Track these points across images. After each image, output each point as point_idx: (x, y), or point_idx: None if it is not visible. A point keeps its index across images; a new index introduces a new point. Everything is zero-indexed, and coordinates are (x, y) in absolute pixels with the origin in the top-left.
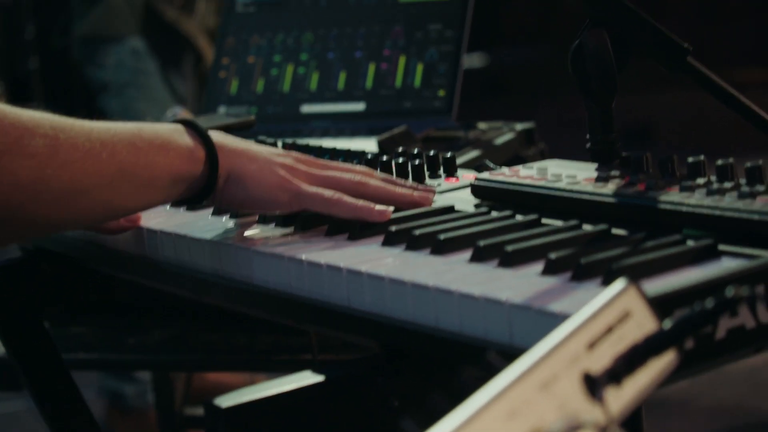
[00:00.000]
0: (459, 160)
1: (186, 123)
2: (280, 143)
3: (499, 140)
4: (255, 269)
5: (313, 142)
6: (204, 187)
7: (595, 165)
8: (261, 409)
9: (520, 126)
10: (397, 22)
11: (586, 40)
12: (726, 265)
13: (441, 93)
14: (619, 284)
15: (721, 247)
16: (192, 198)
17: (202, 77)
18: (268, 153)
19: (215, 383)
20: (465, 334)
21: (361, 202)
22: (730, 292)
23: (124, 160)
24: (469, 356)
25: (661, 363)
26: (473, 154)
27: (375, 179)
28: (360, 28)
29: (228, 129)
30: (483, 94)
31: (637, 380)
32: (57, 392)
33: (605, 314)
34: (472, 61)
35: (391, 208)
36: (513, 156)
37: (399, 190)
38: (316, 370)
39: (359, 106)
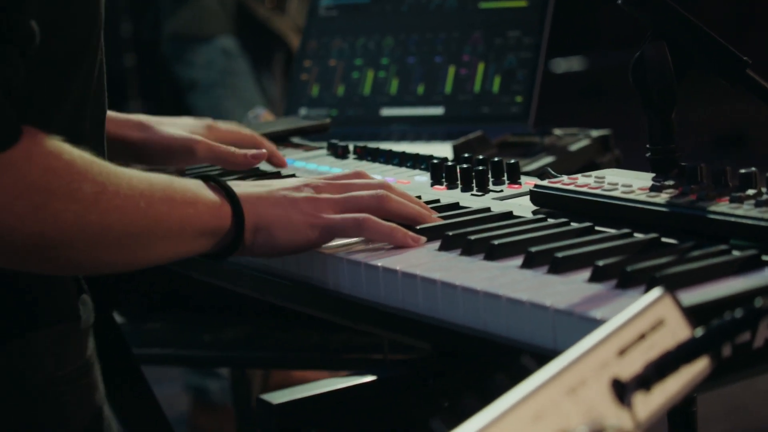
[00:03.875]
0: (532, 166)
1: (207, 179)
2: (351, 146)
3: (574, 147)
4: (330, 274)
5: (390, 145)
6: (233, 241)
7: (653, 175)
8: (312, 406)
9: (596, 133)
10: (477, 28)
11: (646, 52)
12: None
13: (518, 99)
14: (654, 293)
15: (766, 257)
16: (221, 252)
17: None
18: (288, 191)
19: (298, 378)
20: (512, 338)
21: (393, 226)
22: (758, 302)
23: (159, 210)
24: (513, 360)
25: (693, 370)
26: (547, 160)
27: (391, 192)
28: (440, 33)
29: (303, 132)
30: (581, 97)
31: (667, 387)
32: (127, 386)
33: (638, 322)
34: (571, 64)
35: (424, 238)
36: (588, 162)
37: (417, 208)
38: (370, 370)
39: (438, 111)
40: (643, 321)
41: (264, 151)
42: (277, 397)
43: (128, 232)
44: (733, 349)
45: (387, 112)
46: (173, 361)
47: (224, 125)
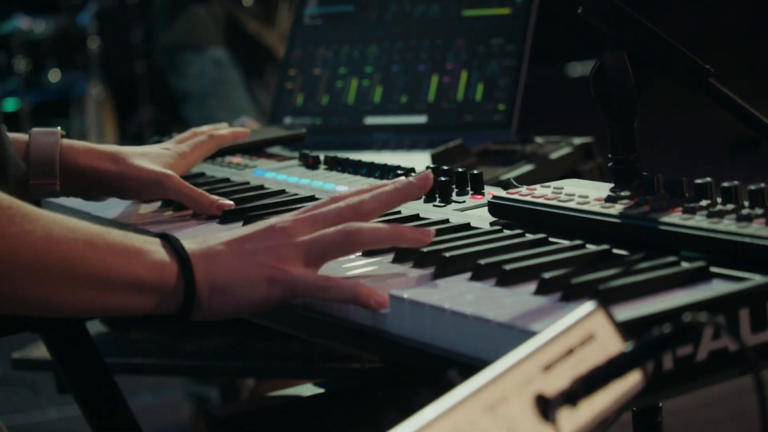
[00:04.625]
0: (511, 174)
1: (163, 236)
2: (322, 156)
3: (555, 154)
4: None
5: (371, 154)
6: (184, 302)
7: (612, 185)
8: (257, 418)
9: (578, 140)
10: (460, 36)
11: (606, 62)
12: (715, 287)
13: (501, 107)
14: (586, 307)
15: (714, 269)
16: (176, 312)
17: None
18: (249, 242)
19: (283, 387)
20: (457, 351)
21: (353, 282)
22: (686, 317)
23: (72, 251)
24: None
25: (624, 386)
26: (527, 168)
27: (364, 195)
28: (423, 41)
29: (279, 141)
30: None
31: (595, 402)
32: (100, 395)
33: (567, 336)
34: (586, 69)
35: (384, 297)
36: (570, 170)
37: (390, 230)
38: (318, 383)
39: (421, 119)
40: (572, 335)
41: (231, 202)
42: (224, 410)
43: (26, 266)
44: (675, 362)
45: (371, 120)
46: (155, 370)
47: (192, 146)
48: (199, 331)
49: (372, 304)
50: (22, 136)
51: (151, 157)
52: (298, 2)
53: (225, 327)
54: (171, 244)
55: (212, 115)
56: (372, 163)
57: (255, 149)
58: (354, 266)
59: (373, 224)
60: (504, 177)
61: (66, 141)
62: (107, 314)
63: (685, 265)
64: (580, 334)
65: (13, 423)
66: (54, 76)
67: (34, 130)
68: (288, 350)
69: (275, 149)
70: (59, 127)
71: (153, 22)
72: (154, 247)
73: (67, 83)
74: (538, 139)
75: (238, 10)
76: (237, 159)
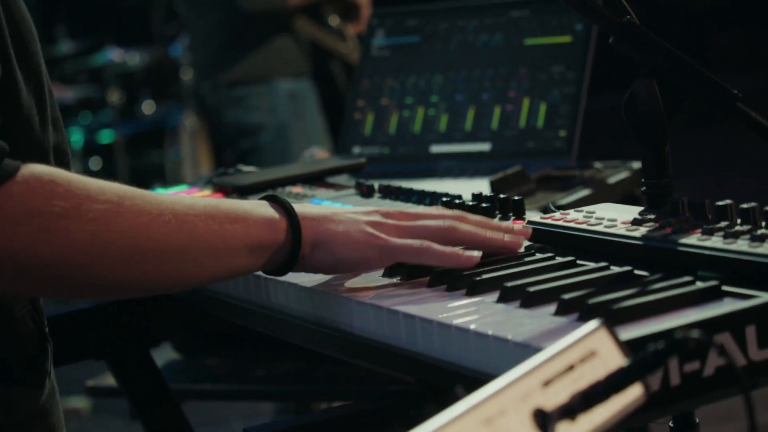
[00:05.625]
0: (568, 199)
1: (270, 198)
2: (376, 184)
3: (612, 179)
4: (354, 318)
5: (434, 182)
6: (290, 255)
7: (641, 209)
8: None
9: (636, 164)
10: (522, 64)
11: (636, 89)
12: (725, 305)
13: (562, 133)
14: (590, 325)
15: (727, 288)
16: (279, 267)
17: None
18: (354, 213)
19: None
20: (481, 370)
21: (449, 249)
22: (678, 334)
23: (196, 228)
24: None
25: (623, 400)
26: (584, 193)
27: (466, 224)
28: (487, 70)
29: (338, 171)
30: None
31: (594, 416)
32: (164, 421)
33: (568, 353)
34: None
35: (479, 253)
36: (627, 194)
37: (489, 234)
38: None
39: (485, 147)
40: (573, 353)
41: None
42: (261, 429)
43: (159, 249)
44: (682, 377)
45: (436, 149)
46: (226, 396)
47: None
48: (270, 356)
49: (463, 262)
50: None
51: None
52: (366, 33)
53: (294, 352)
54: (279, 203)
55: (290, 147)
56: (422, 191)
57: (315, 179)
58: (389, 297)
59: (471, 229)
60: (561, 202)
61: None
62: (227, 278)
63: (698, 284)
64: (581, 351)
65: None
66: (148, 107)
67: None
68: (353, 374)
69: (339, 179)
70: None
71: (200, 59)
72: (264, 209)
73: (161, 114)
74: (597, 165)
75: (319, 31)
76: (297, 189)
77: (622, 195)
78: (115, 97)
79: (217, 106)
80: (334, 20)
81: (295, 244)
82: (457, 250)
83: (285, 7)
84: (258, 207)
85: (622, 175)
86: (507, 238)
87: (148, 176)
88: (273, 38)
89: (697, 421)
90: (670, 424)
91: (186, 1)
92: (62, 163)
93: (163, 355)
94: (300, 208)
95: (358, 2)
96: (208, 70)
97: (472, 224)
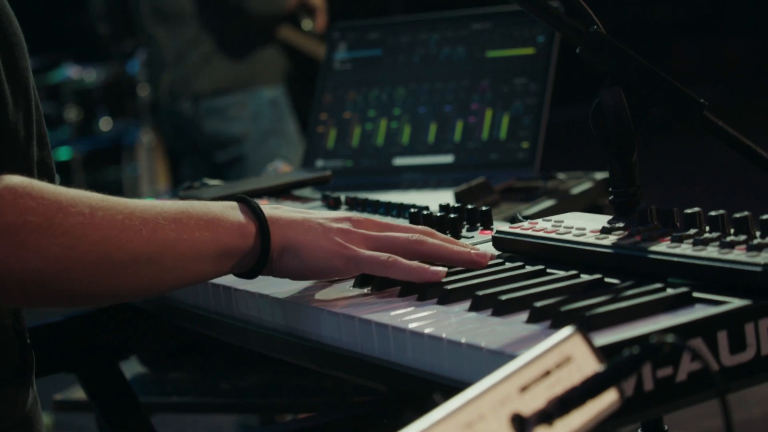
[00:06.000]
0: (532, 210)
1: (240, 200)
2: (343, 196)
3: (576, 190)
4: (326, 328)
5: (398, 193)
6: (258, 261)
7: (610, 217)
8: None
9: (599, 175)
10: (485, 77)
11: (603, 98)
12: (696, 311)
13: (525, 145)
14: (564, 331)
15: (698, 294)
16: (248, 271)
17: None
18: (325, 220)
19: None
20: (454, 378)
21: (415, 264)
22: (653, 339)
23: (167, 236)
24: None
25: (599, 405)
26: (548, 203)
27: (434, 238)
28: (449, 82)
29: (304, 184)
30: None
31: (570, 421)
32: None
33: (544, 359)
34: None
35: (445, 269)
36: (591, 205)
37: (456, 248)
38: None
39: (448, 159)
40: (549, 358)
41: None
42: None
43: (131, 259)
44: (655, 383)
45: (399, 161)
46: (193, 408)
47: None
48: (236, 370)
49: (429, 276)
50: None
51: None
52: (327, 47)
53: (260, 365)
54: (249, 206)
55: (273, 155)
56: (389, 203)
57: (281, 192)
58: (359, 306)
59: (438, 242)
60: (525, 213)
61: None
62: (195, 284)
63: (669, 291)
64: (557, 357)
65: None
66: (105, 124)
67: None
68: (321, 386)
69: (304, 192)
70: None
71: (172, 76)
72: (234, 213)
73: (118, 131)
74: (561, 175)
75: (300, 36)
76: (264, 202)
77: (585, 205)
78: (72, 114)
79: (194, 120)
80: (307, 24)
81: (264, 249)
82: (423, 265)
83: (286, 9)
84: (228, 211)
85: (586, 185)
86: (474, 252)
87: (105, 193)
88: (256, 47)
89: (666, 428)
90: (639, 431)
91: (152, 23)
92: (47, 177)
93: (130, 368)
94: (270, 211)
95: (315, 4)
96: (183, 85)
97: (438, 239)
